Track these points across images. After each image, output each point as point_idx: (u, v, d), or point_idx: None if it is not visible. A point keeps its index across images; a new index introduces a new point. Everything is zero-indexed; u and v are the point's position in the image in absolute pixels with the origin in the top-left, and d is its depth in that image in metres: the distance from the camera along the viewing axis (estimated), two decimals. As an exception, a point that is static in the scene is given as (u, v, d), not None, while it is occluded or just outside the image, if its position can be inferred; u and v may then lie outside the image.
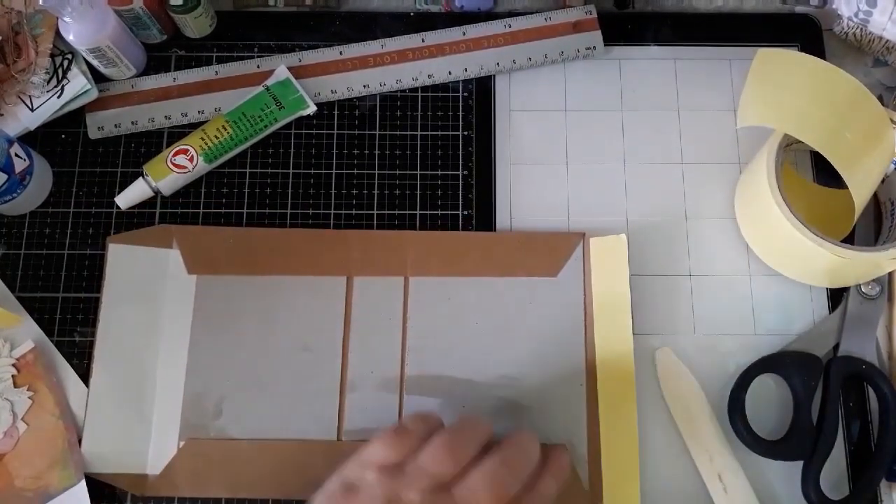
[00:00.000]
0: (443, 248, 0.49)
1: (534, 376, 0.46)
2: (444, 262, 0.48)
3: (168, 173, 0.49)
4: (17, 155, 0.47)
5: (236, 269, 0.48)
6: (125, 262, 0.48)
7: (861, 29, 0.51)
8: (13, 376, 0.46)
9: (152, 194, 0.50)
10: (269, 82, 0.52)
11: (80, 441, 0.45)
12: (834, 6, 0.52)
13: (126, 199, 0.50)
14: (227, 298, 0.48)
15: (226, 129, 0.50)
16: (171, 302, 0.48)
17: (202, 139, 0.50)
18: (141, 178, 0.50)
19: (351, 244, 0.49)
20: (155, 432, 0.45)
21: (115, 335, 0.47)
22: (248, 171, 0.52)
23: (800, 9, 0.55)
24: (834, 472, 0.45)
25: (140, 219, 0.50)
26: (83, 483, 0.45)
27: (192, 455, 0.45)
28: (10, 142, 0.47)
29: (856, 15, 0.50)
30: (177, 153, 0.49)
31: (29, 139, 0.51)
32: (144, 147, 0.52)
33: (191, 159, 0.49)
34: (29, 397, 0.46)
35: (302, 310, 0.47)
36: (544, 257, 0.48)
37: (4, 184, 0.47)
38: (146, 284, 0.48)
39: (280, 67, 0.52)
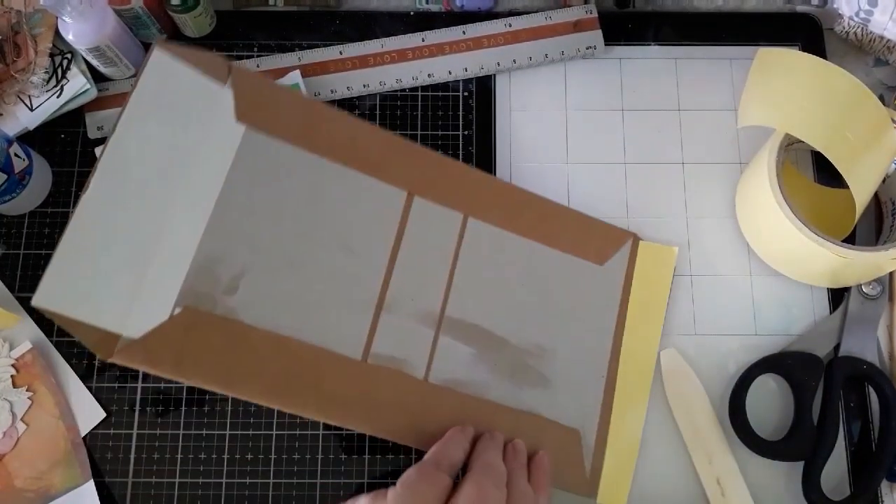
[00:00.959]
0: (505, 199, 0.47)
1: (561, 353, 0.45)
2: (504, 212, 0.46)
3: None
4: (16, 155, 0.47)
5: (292, 137, 0.41)
6: (167, 76, 0.39)
7: (862, 28, 0.51)
8: (12, 376, 0.46)
9: None
10: (278, 83, 0.51)
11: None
12: (835, 5, 0.52)
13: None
14: (276, 164, 0.40)
15: None
16: (208, 143, 0.39)
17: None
18: None
19: (419, 160, 0.45)
20: (147, 288, 0.36)
21: (130, 156, 0.38)
22: (247, 170, 0.52)
23: (801, 8, 0.55)
24: (835, 473, 0.45)
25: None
26: (91, 483, 0.45)
27: (185, 328, 0.37)
28: (10, 141, 0.47)
29: (857, 14, 0.50)
30: None
31: (28, 139, 0.51)
32: (144, 147, 0.52)
33: None
34: (28, 398, 0.46)
35: (354, 208, 0.42)
36: (596, 243, 0.47)
37: (4, 183, 0.47)
38: (185, 111, 0.39)
39: (295, 72, 0.52)
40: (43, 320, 0.48)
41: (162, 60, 0.40)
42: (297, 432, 0.46)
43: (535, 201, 0.48)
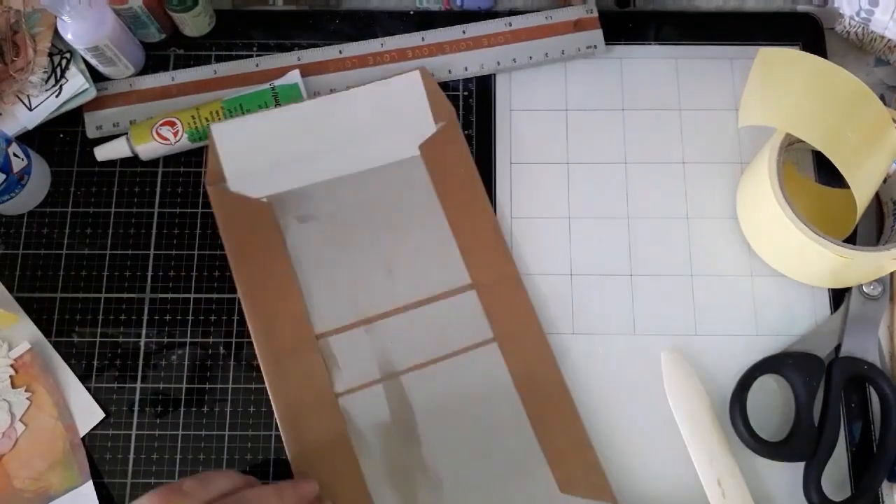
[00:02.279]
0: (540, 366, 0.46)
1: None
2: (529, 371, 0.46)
3: (149, 140, 0.49)
4: (15, 154, 0.47)
5: (440, 189, 0.50)
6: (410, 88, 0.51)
7: (863, 28, 0.51)
8: (11, 377, 0.46)
9: (130, 155, 0.50)
10: (277, 82, 0.51)
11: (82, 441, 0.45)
12: (836, 5, 0.52)
13: (104, 152, 0.50)
14: (411, 182, 0.50)
15: (218, 115, 0.50)
16: (398, 132, 0.51)
17: (193, 117, 0.50)
18: (123, 137, 0.50)
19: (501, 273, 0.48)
20: (264, 177, 0.49)
21: (334, 110, 0.51)
22: (247, 170, 0.52)
23: (802, 8, 0.55)
24: (836, 473, 0.45)
25: (139, 218, 0.50)
26: (90, 483, 0.45)
27: (256, 213, 0.48)
28: (9, 141, 0.47)
29: (857, 14, 0.50)
30: (164, 123, 0.50)
31: (27, 139, 0.51)
32: (143, 146, 0.52)
33: (175, 133, 0.49)
34: (27, 398, 0.46)
35: (429, 259, 0.48)
36: (578, 477, 0.44)
37: (3, 183, 0.47)
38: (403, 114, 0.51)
39: (294, 72, 0.52)
40: (42, 320, 0.48)
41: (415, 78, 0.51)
42: (297, 433, 0.46)
43: (565, 398, 0.45)
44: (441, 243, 0.48)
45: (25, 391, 0.46)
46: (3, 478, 0.45)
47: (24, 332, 0.48)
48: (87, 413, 0.46)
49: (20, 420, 0.46)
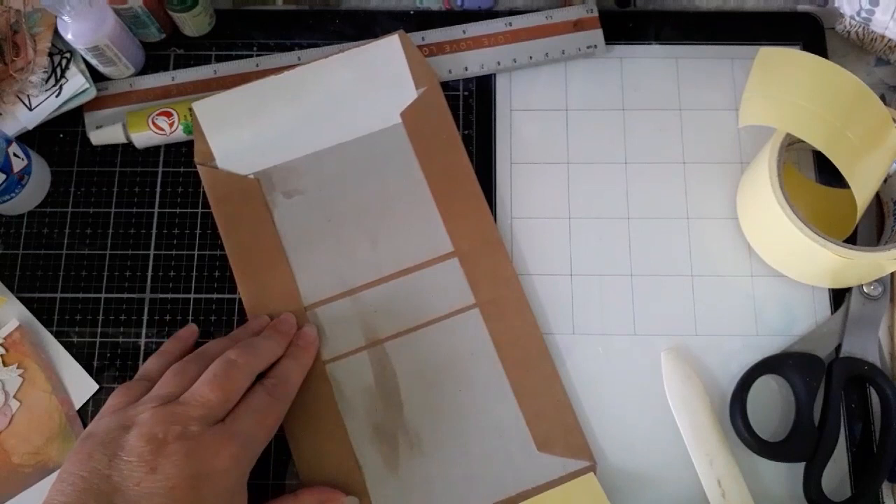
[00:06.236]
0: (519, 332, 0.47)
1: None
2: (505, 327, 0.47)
3: (145, 129, 0.50)
4: (15, 154, 0.47)
5: (422, 156, 0.50)
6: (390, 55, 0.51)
7: (863, 28, 0.51)
8: (1, 355, 0.47)
9: (125, 141, 0.50)
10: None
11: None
12: (836, 5, 0.52)
13: (99, 136, 0.50)
14: (393, 149, 0.50)
15: None
16: (373, 107, 0.51)
17: (190, 109, 0.50)
18: (120, 124, 0.50)
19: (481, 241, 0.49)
20: (249, 153, 0.50)
21: (313, 81, 0.51)
22: (247, 170, 0.52)
23: (802, 7, 0.55)
24: (836, 474, 0.45)
25: (139, 218, 0.50)
26: None
27: (243, 189, 0.49)
28: (9, 141, 0.47)
29: (858, 14, 0.50)
30: (160, 114, 0.50)
31: (27, 138, 0.51)
32: (143, 146, 0.52)
33: (171, 124, 0.50)
34: (19, 375, 0.46)
35: (408, 230, 0.49)
36: (555, 434, 0.45)
37: (3, 183, 0.47)
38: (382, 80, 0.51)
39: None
40: (41, 320, 0.48)
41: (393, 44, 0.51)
42: (297, 433, 0.46)
43: (545, 360, 0.46)
44: (424, 212, 0.49)
45: (17, 368, 0.46)
46: (1, 455, 0.45)
47: (11, 312, 0.48)
48: (81, 385, 0.47)
49: (14, 397, 0.46)
